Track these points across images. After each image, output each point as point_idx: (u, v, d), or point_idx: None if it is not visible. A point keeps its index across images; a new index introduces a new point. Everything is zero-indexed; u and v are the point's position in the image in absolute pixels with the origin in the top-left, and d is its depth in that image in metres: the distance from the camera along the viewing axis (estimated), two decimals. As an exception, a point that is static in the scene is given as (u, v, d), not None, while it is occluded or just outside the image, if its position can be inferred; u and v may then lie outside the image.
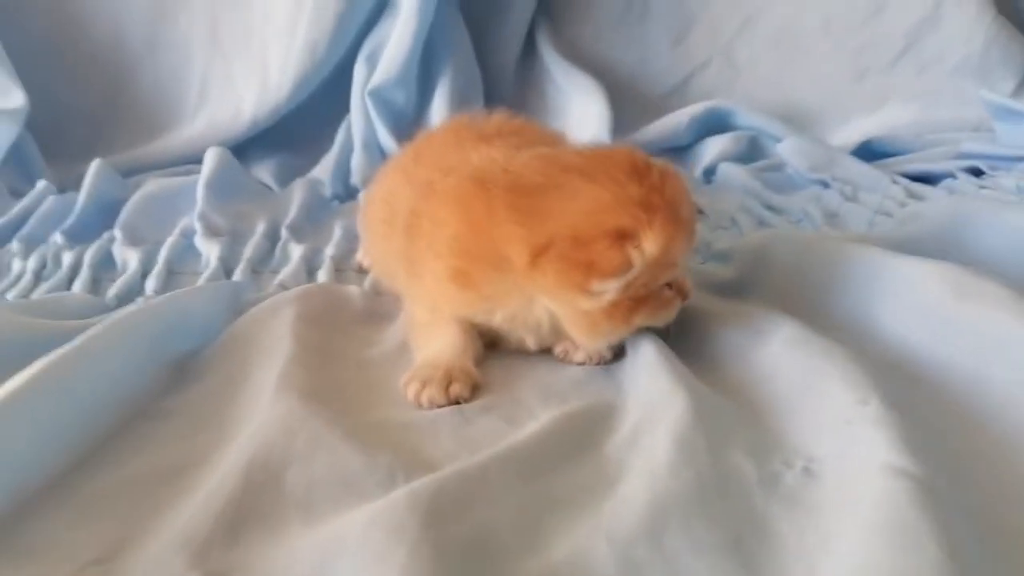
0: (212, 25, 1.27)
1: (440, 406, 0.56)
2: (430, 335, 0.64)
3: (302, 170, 1.22)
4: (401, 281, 0.71)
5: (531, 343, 0.64)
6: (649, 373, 0.56)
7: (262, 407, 0.53)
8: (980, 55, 1.24)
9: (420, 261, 0.65)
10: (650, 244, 0.56)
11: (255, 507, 0.44)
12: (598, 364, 0.63)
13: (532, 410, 0.56)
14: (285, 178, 1.19)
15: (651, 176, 0.58)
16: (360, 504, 0.44)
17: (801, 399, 0.52)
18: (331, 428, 0.51)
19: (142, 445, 0.53)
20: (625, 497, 0.44)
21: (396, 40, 1.14)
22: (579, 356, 0.63)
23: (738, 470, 0.45)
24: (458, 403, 0.57)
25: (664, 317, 0.61)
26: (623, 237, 0.56)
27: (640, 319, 0.60)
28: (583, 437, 0.51)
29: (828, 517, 0.41)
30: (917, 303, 0.58)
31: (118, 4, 1.28)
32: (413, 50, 1.14)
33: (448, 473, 0.44)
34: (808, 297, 0.67)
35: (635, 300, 0.58)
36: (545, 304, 0.61)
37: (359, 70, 1.19)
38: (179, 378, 0.61)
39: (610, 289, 0.56)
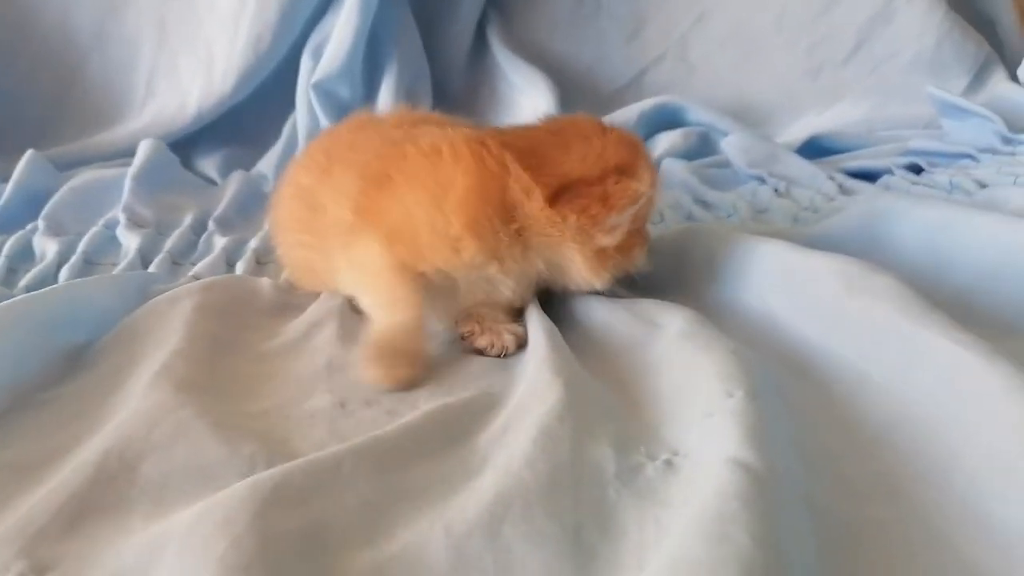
0: (160, 18, 1.26)
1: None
2: (393, 306, 0.62)
3: (248, 164, 1.21)
4: (342, 246, 0.68)
5: (508, 296, 0.65)
6: (536, 365, 0.55)
7: (134, 398, 0.52)
8: (932, 51, 1.23)
9: (400, 214, 0.63)
10: (645, 175, 0.64)
11: (101, 498, 0.44)
12: (499, 355, 0.62)
13: (416, 403, 0.55)
14: (230, 172, 1.18)
15: (616, 128, 0.67)
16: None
17: (679, 391, 0.51)
18: (198, 418, 0.50)
19: (11, 436, 0.52)
20: (476, 489, 0.43)
21: (339, 33, 1.13)
22: (482, 341, 0.63)
23: (597, 462, 0.44)
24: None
25: (645, 252, 0.69)
26: (624, 172, 0.63)
27: (637, 252, 0.67)
28: (456, 429, 0.50)
29: (672, 510, 0.40)
30: (811, 296, 0.58)
31: (67, -4, 1.27)
32: (356, 43, 1.13)
33: (299, 463, 0.43)
34: (714, 290, 0.66)
35: (634, 234, 0.66)
36: (545, 254, 0.64)
37: (305, 63, 1.19)
38: (66, 368, 0.60)
39: (624, 220, 0.63)
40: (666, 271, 0.73)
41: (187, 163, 1.19)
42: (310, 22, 1.19)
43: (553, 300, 0.69)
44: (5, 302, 0.60)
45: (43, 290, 0.63)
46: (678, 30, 1.31)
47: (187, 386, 0.54)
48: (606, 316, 0.64)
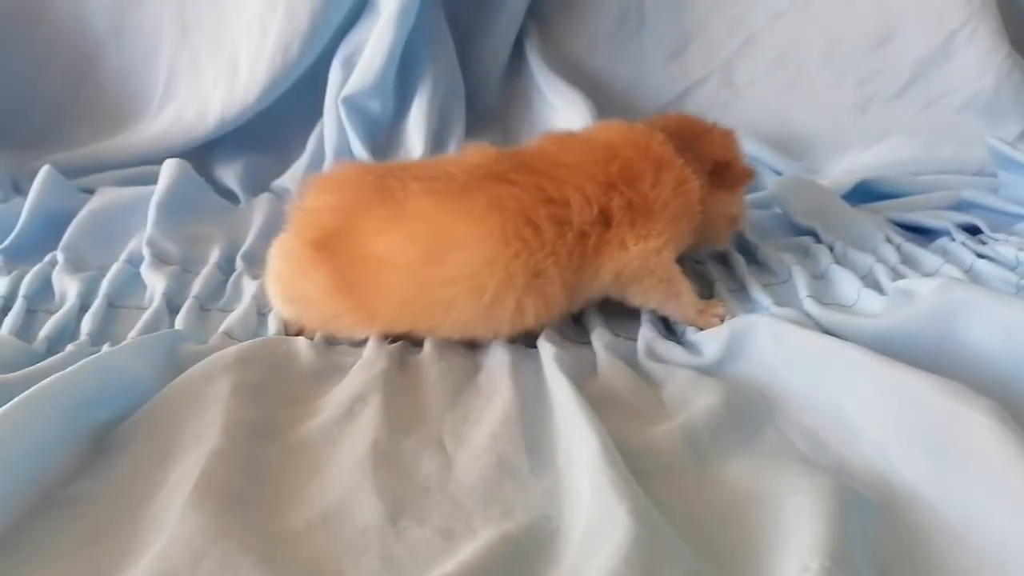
0: (181, 13, 1.19)
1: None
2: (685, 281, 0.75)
3: (270, 173, 1.16)
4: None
5: None
6: (592, 482, 0.51)
7: (173, 517, 0.49)
8: (990, 93, 1.17)
9: (660, 206, 0.72)
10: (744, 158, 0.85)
11: (146, 659, 0.40)
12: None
13: (471, 520, 0.51)
14: (252, 182, 1.13)
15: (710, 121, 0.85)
16: (266, 653, 0.40)
17: (749, 544, 0.47)
18: (244, 553, 0.46)
19: (37, 550, 0.48)
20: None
21: (373, 46, 1.07)
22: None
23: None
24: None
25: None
26: (738, 156, 0.83)
27: (742, 218, 0.88)
28: (521, 569, 0.47)
29: None
30: (905, 425, 0.54)
31: (82, -14, 1.19)
32: (391, 57, 1.07)
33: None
34: (781, 404, 0.62)
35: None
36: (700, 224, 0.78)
37: (334, 74, 1.12)
38: (94, 455, 0.56)
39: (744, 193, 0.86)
40: (721, 369, 0.69)
41: (205, 171, 1.13)
42: (340, 31, 1.12)
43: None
44: (28, 391, 0.55)
45: (68, 370, 0.58)
46: (723, 52, 1.25)
47: (229, 501, 0.50)
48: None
